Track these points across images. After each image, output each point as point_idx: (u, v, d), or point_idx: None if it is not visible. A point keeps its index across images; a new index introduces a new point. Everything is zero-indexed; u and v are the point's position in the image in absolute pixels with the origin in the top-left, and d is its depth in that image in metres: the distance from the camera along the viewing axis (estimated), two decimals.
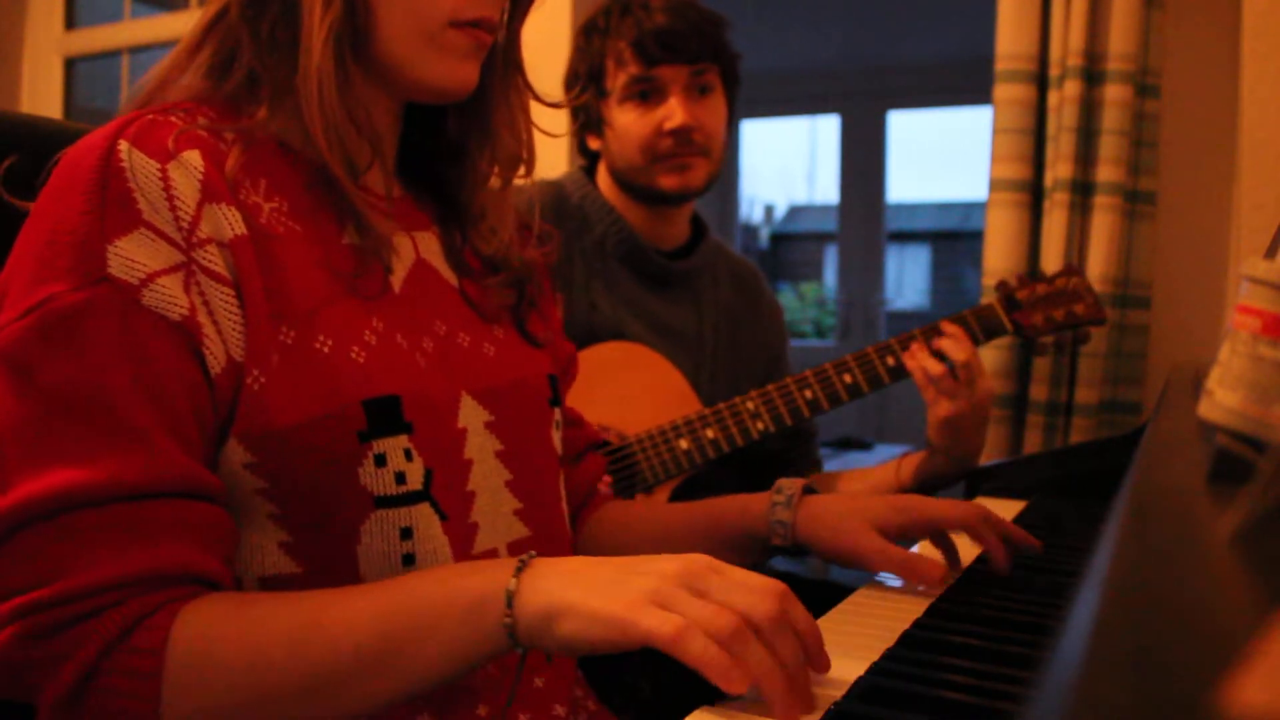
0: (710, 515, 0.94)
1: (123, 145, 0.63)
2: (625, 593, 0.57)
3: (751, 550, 0.90)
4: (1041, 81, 1.57)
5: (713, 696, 0.57)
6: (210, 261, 0.64)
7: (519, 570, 0.60)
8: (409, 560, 0.69)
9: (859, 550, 0.84)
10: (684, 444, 1.28)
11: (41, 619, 0.58)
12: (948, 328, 1.29)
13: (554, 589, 0.59)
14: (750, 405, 1.30)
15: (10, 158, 0.72)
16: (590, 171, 1.46)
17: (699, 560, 0.60)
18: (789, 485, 0.90)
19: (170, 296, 0.62)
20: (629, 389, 1.33)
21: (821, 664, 0.60)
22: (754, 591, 0.58)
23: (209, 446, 0.65)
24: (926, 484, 1.32)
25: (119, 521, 0.59)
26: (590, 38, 1.39)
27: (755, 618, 0.57)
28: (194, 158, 0.65)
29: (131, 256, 0.62)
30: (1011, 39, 1.55)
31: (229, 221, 0.65)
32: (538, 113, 0.87)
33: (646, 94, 1.35)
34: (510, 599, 0.59)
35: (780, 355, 1.56)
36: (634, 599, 0.57)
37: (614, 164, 1.40)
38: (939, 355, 1.27)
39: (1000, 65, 1.56)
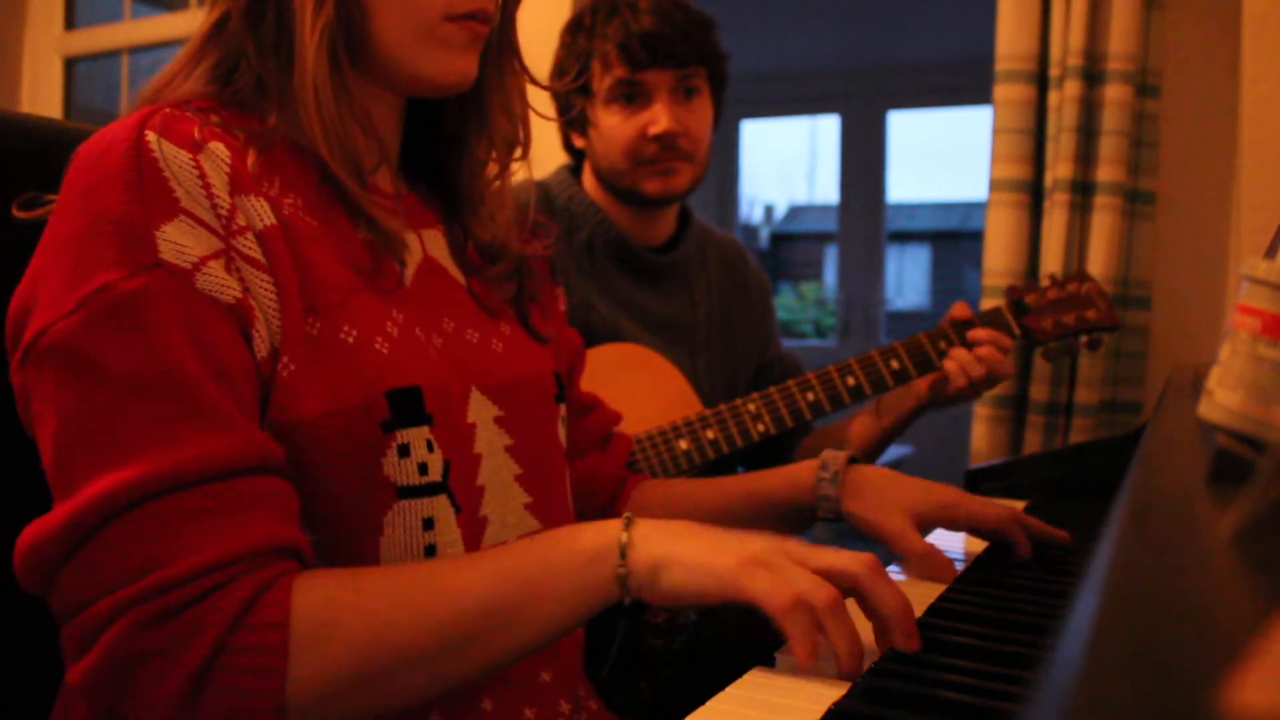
0: (760, 489, 0.98)
1: (150, 136, 0.63)
2: (733, 551, 0.62)
3: (798, 522, 0.95)
4: (1041, 81, 1.57)
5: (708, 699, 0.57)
6: (249, 249, 0.64)
7: (627, 526, 0.64)
8: (430, 552, 0.69)
9: (883, 530, 0.89)
10: (684, 444, 1.28)
11: (154, 606, 0.56)
12: (981, 334, 1.30)
13: (663, 542, 0.64)
14: (751, 407, 1.30)
15: (17, 181, 0.71)
16: (576, 170, 1.46)
17: (790, 539, 0.66)
18: (834, 460, 0.93)
19: (221, 280, 0.63)
20: (629, 390, 1.33)
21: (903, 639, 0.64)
22: (851, 556, 0.65)
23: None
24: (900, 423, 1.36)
25: (214, 501, 0.59)
26: (576, 36, 1.38)
27: (854, 572, 0.63)
28: (220, 149, 0.65)
29: (179, 242, 0.61)
30: (1011, 39, 1.55)
31: (259, 212, 0.66)
32: (535, 98, 0.86)
33: (631, 97, 1.35)
34: (624, 551, 0.63)
35: (770, 334, 1.56)
36: (743, 559, 0.62)
37: (598, 164, 1.40)
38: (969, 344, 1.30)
39: (1000, 65, 1.56)
